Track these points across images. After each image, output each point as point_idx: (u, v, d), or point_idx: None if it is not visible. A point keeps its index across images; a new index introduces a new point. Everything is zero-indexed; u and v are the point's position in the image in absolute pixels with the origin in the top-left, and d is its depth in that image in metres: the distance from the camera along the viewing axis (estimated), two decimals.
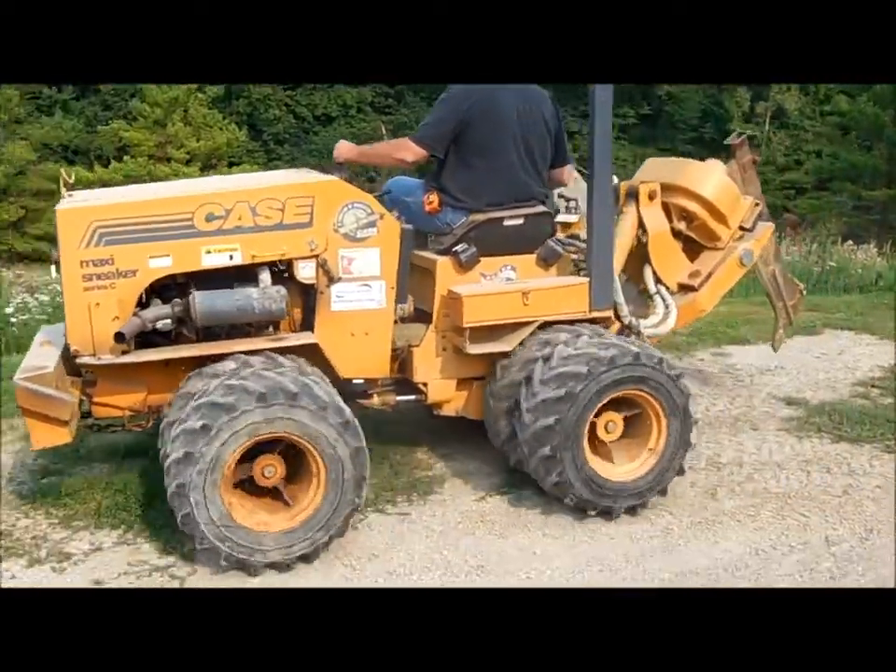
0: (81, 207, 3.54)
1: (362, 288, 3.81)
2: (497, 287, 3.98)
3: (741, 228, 4.65)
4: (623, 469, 3.88)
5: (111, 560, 3.61)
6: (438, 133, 3.98)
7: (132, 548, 3.72)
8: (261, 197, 3.63)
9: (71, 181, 3.77)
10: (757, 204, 4.71)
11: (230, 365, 3.49)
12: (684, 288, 4.55)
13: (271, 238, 3.65)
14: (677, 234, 4.61)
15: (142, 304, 3.62)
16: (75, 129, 31.65)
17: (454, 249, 3.97)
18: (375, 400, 4.11)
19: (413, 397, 4.15)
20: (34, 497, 4.13)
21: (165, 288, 3.67)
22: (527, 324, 3.94)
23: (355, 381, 3.96)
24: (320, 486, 3.43)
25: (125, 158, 28.01)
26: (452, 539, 3.79)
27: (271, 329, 3.84)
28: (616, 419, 3.86)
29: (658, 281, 4.53)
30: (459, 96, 3.97)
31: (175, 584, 3.44)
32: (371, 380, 4.03)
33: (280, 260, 3.74)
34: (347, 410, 3.43)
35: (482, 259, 4.00)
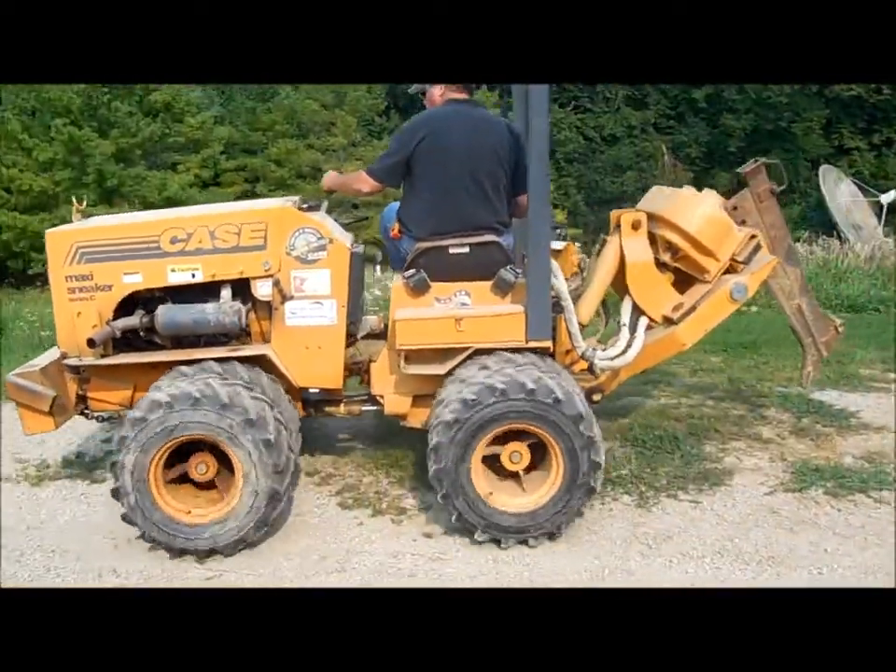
0: (66, 230, 4.20)
1: (314, 306, 4.17)
2: (431, 313, 4.08)
3: (734, 261, 4.38)
4: (514, 500, 3.87)
5: (439, 517, 4.16)
6: (388, 166, 4.23)
7: None
8: (220, 222, 4.11)
9: (83, 207, 4.44)
10: (753, 237, 4.39)
11: (170, 375, 4.01)
12: (668, 321, 4.39)
13: (228, 259, 4.12)
14: (664, 266, 4.47)
15: (126, 313, 4.19)
16: None
17: (403, 274, 4.20)
18: (342, 409, 4.50)
19: (374, 407, 4.46)
20: (375, 459, 4.86)
21: (148, 301, 4.25)
22: (462, 349, 4.04)
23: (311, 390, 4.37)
24: (239, 478, 3.81)
25: None
26: (742, 529, 3.97)
27: (248, 339, 4.33)
28: (521, 450, 3.87)
29: (641, 313, 4.41)
30: (411, 130, 4.20)
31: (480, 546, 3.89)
32: (331, 390, 4.39)
33: (248, 279, 4.19)
34: (253, 407, 3.74)
35: (435, 284, 4.16)
